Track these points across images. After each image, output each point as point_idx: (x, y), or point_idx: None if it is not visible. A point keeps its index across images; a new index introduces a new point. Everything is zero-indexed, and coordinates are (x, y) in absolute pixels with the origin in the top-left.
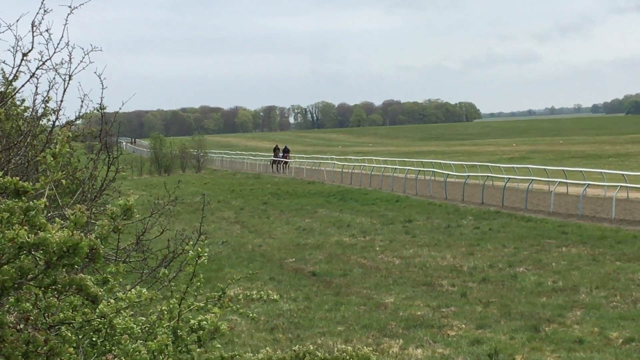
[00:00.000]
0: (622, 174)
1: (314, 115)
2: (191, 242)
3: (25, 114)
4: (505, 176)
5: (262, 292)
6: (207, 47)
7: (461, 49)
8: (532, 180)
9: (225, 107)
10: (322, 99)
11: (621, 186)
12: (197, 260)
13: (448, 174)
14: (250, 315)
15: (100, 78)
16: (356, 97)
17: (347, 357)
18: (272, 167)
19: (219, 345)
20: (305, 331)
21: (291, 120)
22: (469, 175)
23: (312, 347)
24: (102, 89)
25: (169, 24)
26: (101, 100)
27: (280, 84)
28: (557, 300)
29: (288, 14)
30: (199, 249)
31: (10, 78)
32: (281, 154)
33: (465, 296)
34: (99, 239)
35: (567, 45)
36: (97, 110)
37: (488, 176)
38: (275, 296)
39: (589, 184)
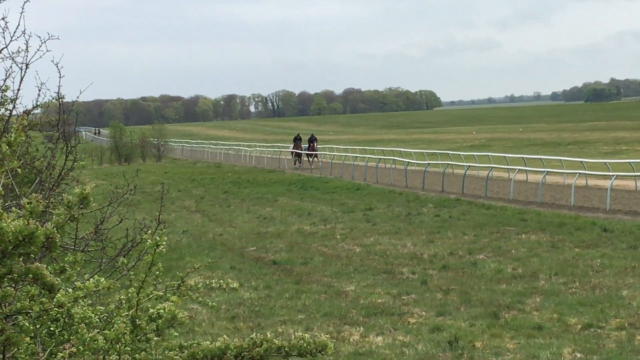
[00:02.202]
0: (581, 162)
1: (275, 103)
2: (150, 231)
3: None
4: (465, 164)
5: (221, 281)
6: (166, 35)
7: (422, 37)
8: (492, 168)
9: (185, 95)
10: (282, 87)
11: (580, 173)
12: (155, 249)
13: (408, 162)
14: (210, 304)
15: (57, 67)
16: (317, 86)
17: (305, 345)
18: (293, 159)
19: (177, 334)
20: (266, 319)
21: (252, 109)
22: (429, 164)
23: (270, 335)
24: (60, 77)
25: (128, 12)
26: (59, 89)
27: (240, 72)
28: (517, 287)
29: (248, 1)
30: (158, 237)
31: None
32: (305, 145)
33: (425, 284)
34: (55, 228)
35: (527, 33)
36: (55, 99)
37: (448, 164)
38: (234, 285)
39: (548, 172)
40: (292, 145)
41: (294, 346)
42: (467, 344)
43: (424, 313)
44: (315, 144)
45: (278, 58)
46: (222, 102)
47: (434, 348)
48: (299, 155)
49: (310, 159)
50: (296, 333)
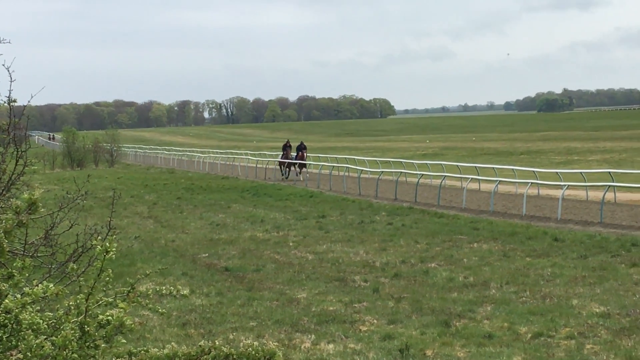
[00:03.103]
0: (533, 171)
1: (229, 110)
2: (100, 237)
3: None
4: (419, 172)
5: (171, 288)
6: (120, 40)
7: (376, 45)
8: (445, 176)
9: (139, 101)
10: (237, 94)
11: (532, 183)
12: (105, 255)
13: (362, 170)
14: (160, 310)
15: (8, 70)
16: (271, 93)
17: (253, 352)
18: (282, 170)
19: (124, 341)
20: (218, 326)
21: (206, 115)
22: (382, 172)
23: (218, 343)
24: (11, 81)
25: (81, 16)
26: (9, 92)
27: (195, 78)
28: (468, 296)
29: (202, 8)
30: (107, 243)
31: None
32: (294, 153)
33: (377, 291)
34: (3, 233)
35: (481, 42)
36: (6, 103)
37: (401, 172)
38: (184, 291)
39: (500, 181)
40: (281, 154)
41: (242, 354)
42: (418, 352)
43: (375, 321)
44: (304, 152)
45: (232, 65)
46: (176, 108)
47: (385, 356)
48: (288, 166)
49: (299, 170)
50: (245, 341)
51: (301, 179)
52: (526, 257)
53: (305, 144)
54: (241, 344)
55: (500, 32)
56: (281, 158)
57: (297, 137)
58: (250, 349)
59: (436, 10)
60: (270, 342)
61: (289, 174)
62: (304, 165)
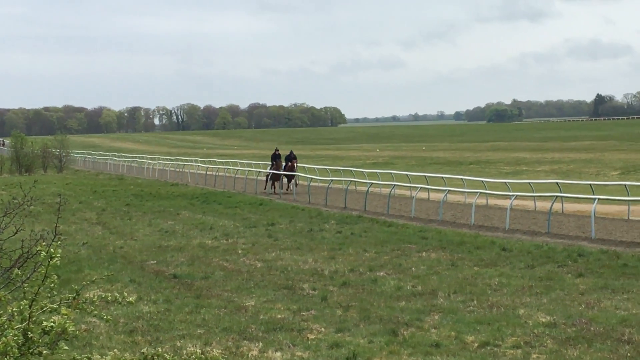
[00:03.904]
0: (482, 181)
1: (180, 117)
2: (45, 243)
3: None
4: (368, 181)
5: (117, 294)
6: (71, 46)
7: (328, 53)
8: (395, 185)
9: (89, 107)
10: (187, 100)
11: (480, 193)
12: (49, 261)
13: (312, 178)
14: (105, 317)
15: None
16: (222, 100)
17: (195, 359)
18: (267, 184)
19: (67, 347)
20: (165, 334)
21: (156, 121)
22: (332, 180)
23: (161, 350)
24: None
25: (31, 21)
26: None
27: (145, 85)
28: (416, 305)
29: (153, 14)
30: (52, 249)
31: None
32: (283, 164)
33: (325, 300)
34: None
35: (432, 52)
36: None
37: (351, 181)
38: (131, 298)
39: (449, 190)
40: (270, 165)
41: None
42: None
43: (323, 329)
44: (294, 162)
45: (183, 71)
46: (126, 114)
47: None
48: (276, 178)
49: (289, 182)
50: (190, 348)
51: (289, 191)
52: (474, 266)
53: (294, 153)
54: (184, 351)
55: (451, 42)
56: (270, 169)
57: (247, 145)
58: (193, 356)
59: (387, 20)
60: (214, 350)
61: (275, 188)
62: (293, 177)
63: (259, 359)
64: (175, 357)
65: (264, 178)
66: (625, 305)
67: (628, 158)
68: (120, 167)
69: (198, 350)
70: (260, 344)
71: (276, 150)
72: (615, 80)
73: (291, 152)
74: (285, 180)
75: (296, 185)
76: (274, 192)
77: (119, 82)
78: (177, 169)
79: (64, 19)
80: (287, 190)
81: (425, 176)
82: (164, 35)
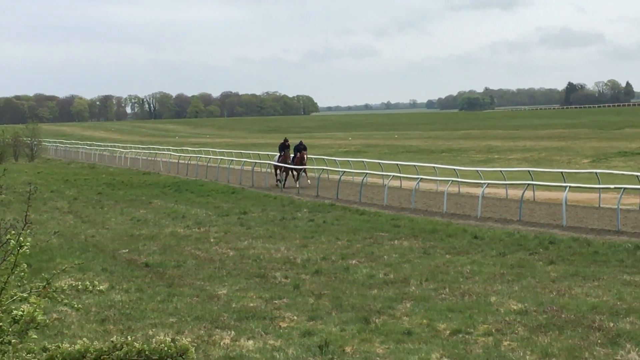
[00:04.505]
0: (454, 169)
1: (152, 105)
2: (14, 232)
3: None
4: (341, 169)
5: (87, 283)
6: (42, 34)
7: (300, 42)
8: (367, 174)
9: (60, 95)
10: (159, 89)
11: (453, 181)
12: (18, 250)
13: (284, 167)
14: (75, 306)
15: None
16: (194, 88)
17: (166, 348)
18: (277, 176)
19: (35, 336)
20: (137, 322)
21: (128, 110)
22: (304, 168)
23: (130, 338)
24: None
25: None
26: None
27: (117, 73)
28: (388, 293)
29: (125, 2)
30: (21, 238)
31: None
32: (292, 155)
33: (298, 288)
34: None
35: (404, 41)
36: None
37: (323, 169)
38: (101, 287)
39: (421, 178)
40: (278, 155)
41: (155, 350)
42: (337, 349)
43: (295, 317)
44: (304, 154)
45: (155, 59)
46: (98, 103)
47: (305, 352)
48: (286, 170)
49: (297, 175)
50: (159, 337)
51: (297, 185)
52: (446, 254)
53: (304, 144)
54: (154, 340)
55: (423, 31)
56: (278, 160)
57: (219, 134)
58: (163, 345)
59: (360, 8)
60: (184, 339)
61: (285, 180)
62: (304, 170)
63: (231, 348)
64: (145, 345)
65: (273, 171)
66: (596, 292)
67: (599, 146)
68: (92, 156)
69: (168, 339)
70: (233, 332)
71: (285, 140)
72: (586, 69)
73: (300, 143)
74: (292, 173)
75: (307, 177)
76: (281, 184)
77: (90, 70)
78: (149, 158)
79: (36, 7)
80: (295, 184)
81: (397, 164)
82: (136, 23)
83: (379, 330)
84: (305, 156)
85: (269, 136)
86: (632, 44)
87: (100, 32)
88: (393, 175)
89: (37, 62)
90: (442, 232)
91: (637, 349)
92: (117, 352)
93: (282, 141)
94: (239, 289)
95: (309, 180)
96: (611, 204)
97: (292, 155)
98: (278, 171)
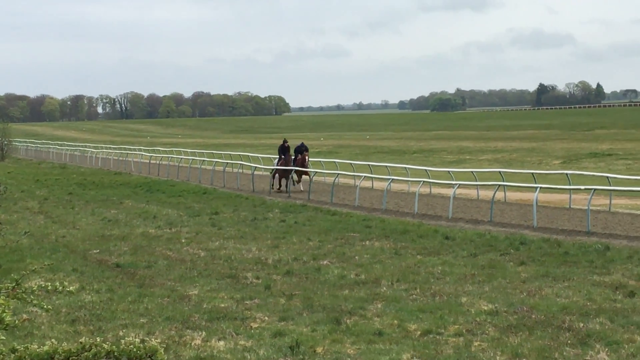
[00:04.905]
0: (426, 170)
1: (123, 105)
2: None
3: None
4: (312, 170)
5: (57, 284)
6: (12, 33)
7: (272, 42)
8: (339, 174)
9: (31, 95)
10: (131, 89)
11: (424, 181)
12: None
13: (256, 167)
14: (45, 307)
15: None
16: (166, 88)
17: (135, 349)
18: (273, 181)
19: (3, 337)
20: (107, 323)
21: (99, 110)
22: (276, 169)
23: (99, 340)
24: None
25: None
26: None
27: (88, 72)
28: (359, 293)
29: (97, 1)
30: None
31: None
32: (293, 157)
33: (269, 288)
34: None
35: (376, 41)
36: None
37: (295, 170)
38: (71, 288)
39: (393, 179)
40: (277, 158)
41: (124, 351)
42: (308, 349)
43: (266, 318)
44: (306, 155)
45: (127, 59)
46: (69, 103)
47: (276, 353)
48: (286, 174)
49: (299, 179)
50: (127, 338)
51: (301, 188)
52: (417, 255)
53: (306, 145)
54: (123, 341)
55: (395, 31)
56: (278, 164)
57: (191, 134)
58: (132, 346)
59: (332, 8)
60: (153, 340)
61: (287, 185)
62: (306, 173)
63: (202, 348)
64: (114, 346)
65: (271, 175)
66: (566, 293)
67: (570, 147)
68: (63, 156)
69: (137, 340)
70: (204, 333)
71: (284, 141)
72: (557, 70)
73: (302, 144)
74: (293, 176)
75: (310, 179)
76: (281, 189)
77: (61, 70)
78: (121, 158)
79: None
80: (296, 187)
81: (369, 165)
82: (107, 22)
83: (350, 331)
84: (307, 158)
85: (241, 136)
86: (603, 46)
87: (72, 31)
88: (365, 176)
89: (7, 61)
90: (414, 233)
91: (606, 349)
92: (85, 354)
93: (282, 143)
94: (210, 289)
95: (311, 182)
96: (581, 205)
97: (292, 157)
98: (277, 176)
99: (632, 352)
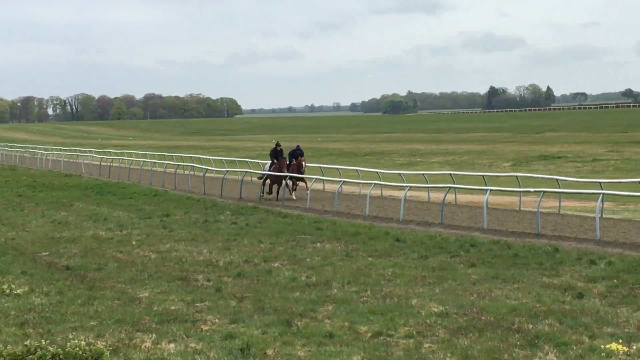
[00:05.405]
0: (377, 172)
1: (74, 107)
2: None
3: None
4: (264, 172)
5: (4, 287)
6: None
7: (224, 44)
8: (289, 176)
9: None
10: (82, 90)
11: (375, 184)
12: None
13: (207, 169)
14: None
15: None
16: (117, 90)
17: (80, 352)
18: (263, 187)
19: None
20: (57, 326)
21: (50, 111)
22: (227, 171)
23: (44, 342)
24: None
25: None
26: None
27: (38, 74)
28: (310, 295)
29: (46, 2)
30: None
31: None
32: (288, 162)
33: (220, 291)
34: None
35: (328, 43)
36: None
37: (247, 172)
38: (18, 290)
39: (344, 181)
40: (269, 163)
41: (70, 354)
42: (259, 352)
43: (217, 320)
44: (302, 160)
45: (78, 61)
46: (19, 104)
47: (226, 355)
48: (279, 180)
49: (294, 186)
50: (72, 341)
51: (294, 197)
52: (368, 257)
53: (301, 148)
54: (68, 344)
55: (347, 34)
56: (270, 169)
57: (142, 136)
58: (77, 349)
59: (283, 11)
60: (99, 343)
61: (275, 192)
62: (303, 180)
63: (152, 351)
64: (60, 349)
65: (261, 181)
66: (516, 294)
67: (520, 150)
68: (12, 158)
69: (82, 343)
70: (154, 335)
71: (277, 145)
72: (508, 73)
73: (297, 147)
74: (287, 183)
75: (307, 188)
76: (272, 196)
77: (11, 71)
78: (71, 160)
79: None
80: (290, 195)
81: (320, 167)
82: (58, 23)
83: (301, 333)
84: (303, 163)
85: (193, 138)
86: (553, 49)
87: (22, 32)
88: (316, 178)
89: None
90: (365, 235)
91: (555, 350)
92: (31, 356)
93: (274, 146)
94: (161, 292)
95: (308, 191)
96: (531, 207)
97: (288, 162)
98: (268, 182)
99: (580, 354)
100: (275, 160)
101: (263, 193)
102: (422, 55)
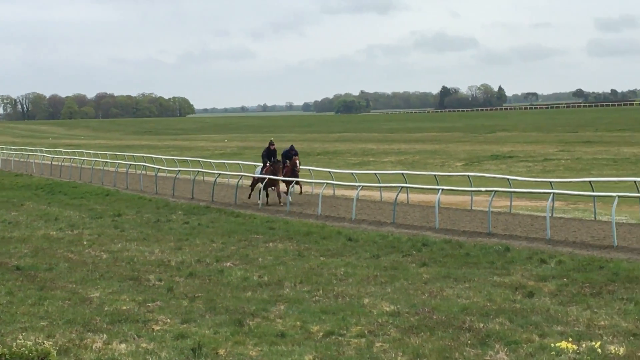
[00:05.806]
0: (329, 172)
1: (24, 106)
2: None
3: None
4: (216, 172)
5: None
6: None
7: (176, 43)
8: (242, 176)
9: None
10: (32, 89)
11: (327, 183)
12: None
13: (159, 169)
14: None
15: None
16: (68, 89)
17: (27, 352)
18: (251, 191)
19: None
20: (7, 326)
21: (0, 110)
22: (179, 170)
23: None
24: None
25: None
26: None
27: None
28: (262, 295)
29: None
30: None
31: None
32: (281, 162)
33: (171, 291)
34: None
35: (281, 43)
36: None
37: (199, 171)
38: None
39: (297, 181)
40: (262, 166)
41: (16, 354)
42: (210, 351)
43: (169, 320)
44: (296, 160)
45: (28, 60)
46: None
47: (178, 355)
48: (273, 183)
49: (290, 189)
50: (19, 341)
51: (291, 200)
52: (320, 256)
53: (295, 148)
54: (15, 344)
55: (299, 33)
56: (263, 172)
57: (94, 135)
58: (24, 349)
59: (236, 10)
60: (46, 342)
61: (267, 195)
62: (297, 183)
63: (103, 351)
64: (6, 349)
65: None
66: (467, 293)
67: (472, 149)
68: None
69: (29, 343)
70: (105, 335)
71: (270, 144)
72: (460, 73)
73: (291, 147)
74: (279, 186)
75: (301, 189)
76: (263, 201)
77: None
78: (22, 159)
79: None
80: (280, 198)
81: None
82: (7, 22)
83: (253, 333)
84: (297, 162)
85: (145, 138)
86: (504, 49)
87: None
88: (268, 177)
89: None
90: (317, 235)
91: (505, 349)
92: None
93: (267, 146)
94: (112, 291)
95: (300, 194)
96: (483, 207)
97: (280, 162)
98: (257, 185)
99: (530, 352)
100: (269, 163)
101: (250, 197)
102: (375, 55)
